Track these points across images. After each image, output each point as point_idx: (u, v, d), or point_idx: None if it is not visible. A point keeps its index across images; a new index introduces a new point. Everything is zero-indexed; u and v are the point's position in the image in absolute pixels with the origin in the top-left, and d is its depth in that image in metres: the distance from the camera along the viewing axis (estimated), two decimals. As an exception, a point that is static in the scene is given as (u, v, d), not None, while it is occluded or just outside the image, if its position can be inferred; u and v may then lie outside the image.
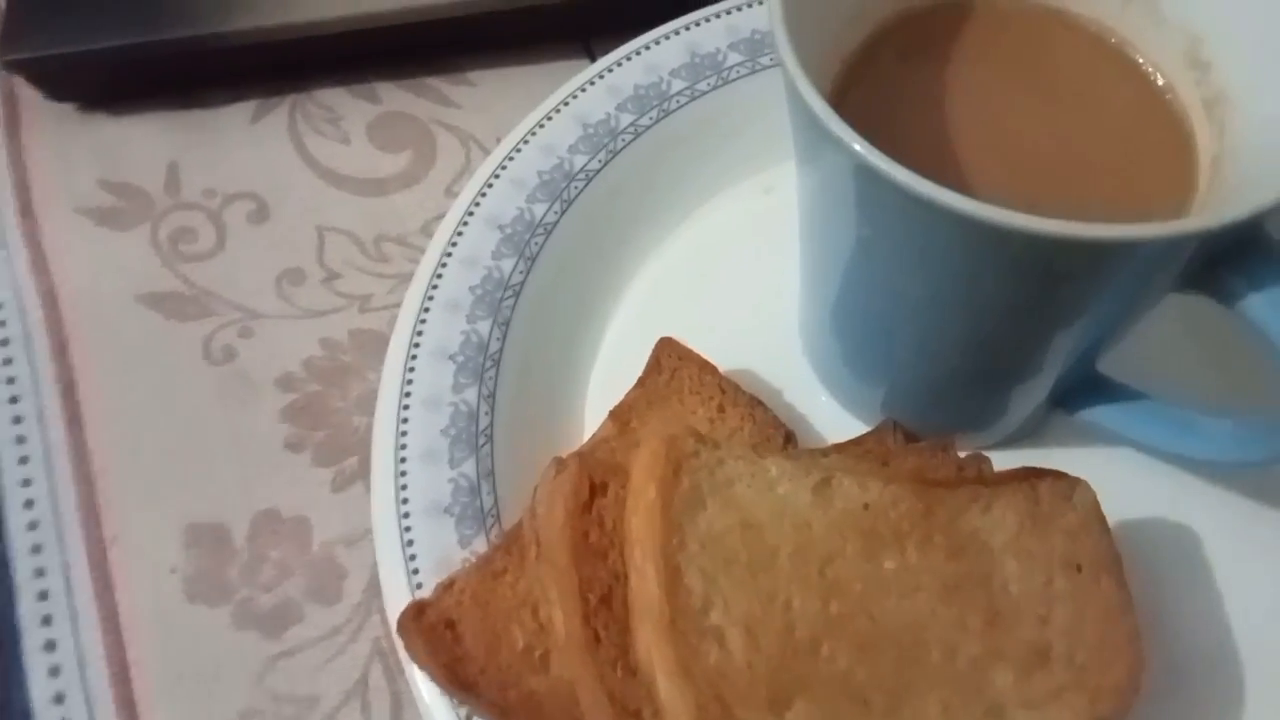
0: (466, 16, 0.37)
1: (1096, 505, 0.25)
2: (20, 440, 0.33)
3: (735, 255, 0.35)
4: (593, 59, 0.40)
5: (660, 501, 0.22)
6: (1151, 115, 0.26)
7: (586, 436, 0.32)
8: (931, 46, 0.27)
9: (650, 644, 0.21)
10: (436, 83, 0.39)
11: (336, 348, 0.35)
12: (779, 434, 0.30)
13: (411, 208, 0.37)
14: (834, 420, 0.32)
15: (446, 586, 0.26)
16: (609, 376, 0.33)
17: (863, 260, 0.26)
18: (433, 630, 0.25)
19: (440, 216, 0.36)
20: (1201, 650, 0.28)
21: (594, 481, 0.24)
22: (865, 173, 0.22)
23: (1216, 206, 0.23)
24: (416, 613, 0.25)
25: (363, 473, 0.32)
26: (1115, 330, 0.25)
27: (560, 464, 0.25)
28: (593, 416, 0.32)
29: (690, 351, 0.31)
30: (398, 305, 0.35)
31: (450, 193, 0.37)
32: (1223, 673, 0.28)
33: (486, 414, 0.31)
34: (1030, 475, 0.25)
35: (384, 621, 0.30)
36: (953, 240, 0.22)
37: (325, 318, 0.35)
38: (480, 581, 0.26)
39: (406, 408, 0.30)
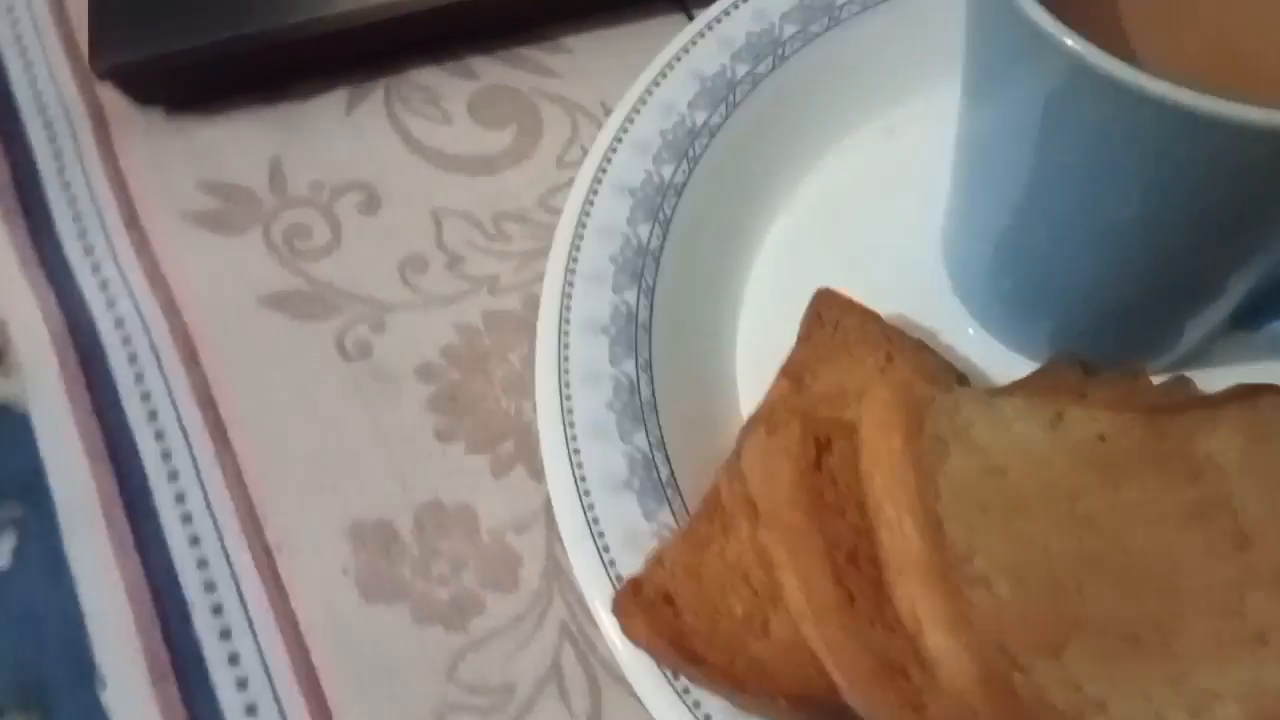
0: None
1: None
2: (166, 456, 0.33)
3: (865, 201, 0.34)
4: (689, 14, 0.39)
5: (909, 452, 0.21)
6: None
7: (742, 397, 0.31)
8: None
9: (916, 598, 0.21)
10: (532, 53, 0.38)
11: (472, 332, 0.34)
12: (950, 377, 0.29)
13: (524, 183, 0.36)
14: (994, 358, 0.31)
15: (657, 561, 0.25)
16: (755, 334, 0.32)
17: (1052, 186, 0.25)
18: (652, 606, 0.25)
19: (555, 189, 0.36)
20: None
21: (819, 439, 0.23)
22: (1089, 80, 0.20)
23: None
24: (634, 590, 0.25)
25: (521, 456, 0.32)
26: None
27: (765, 424, 0.24)
28: (745, 376, 0.32)
29: (851, 301, 0.30)
30: (528, 283, 0.34)
31: (562, 163, 0.36)
32: None
33: (647, 384, 0.30)
34: (1248, 392, 0.25)
35: (568, 605, 0.30)
36: (1183, 147, 0.21)
37: (456, 303, 0.34)
38: (689, 553, 0.25)
39: (567, 385, 0.30)
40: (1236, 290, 0.27)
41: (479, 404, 0.33)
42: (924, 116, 0.35)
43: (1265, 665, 0.22)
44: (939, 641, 0.20)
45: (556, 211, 0.35)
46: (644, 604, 0.25)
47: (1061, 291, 0.29)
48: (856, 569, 0.22)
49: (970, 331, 0.32)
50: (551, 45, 0.38)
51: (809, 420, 0.23)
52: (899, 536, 0.21)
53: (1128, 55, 0.24)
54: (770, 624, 0.25)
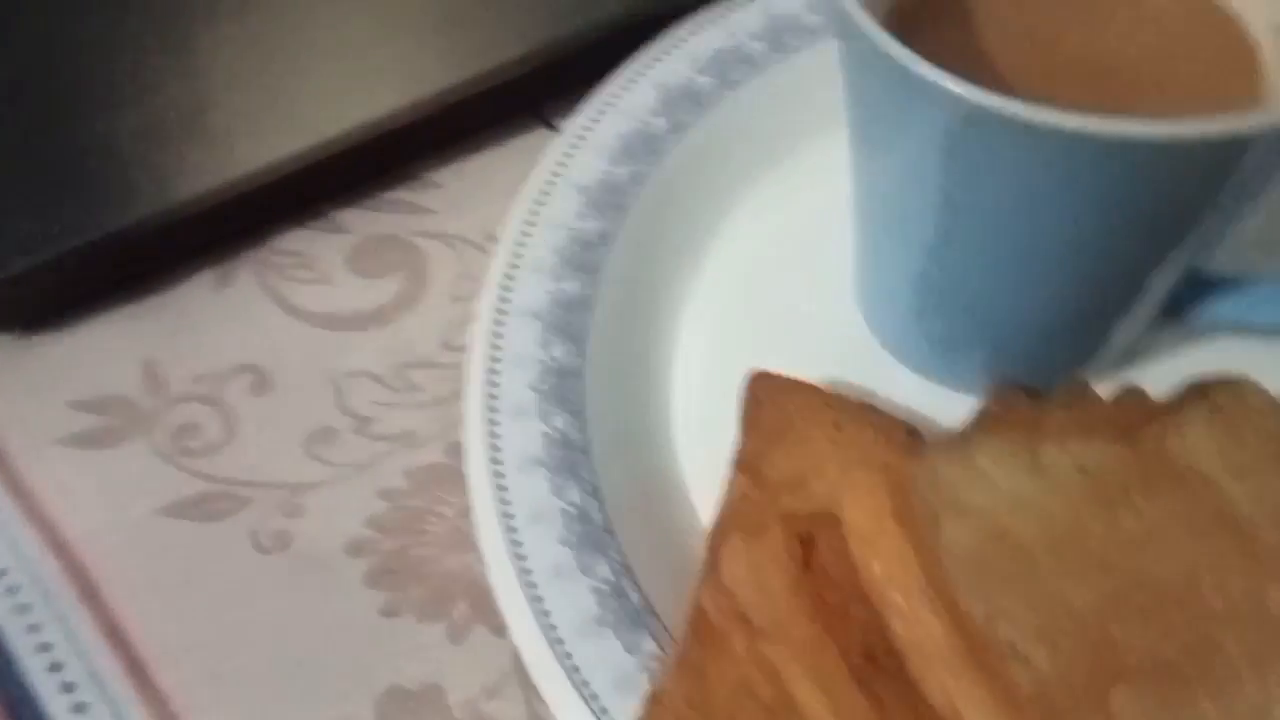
0: (418, 120, 0.35)
1: (1270, 396, 0.24)
2: (80, 709, 0.29)
3: (770, 270, 0.34)
4: (549, 124, 0.38)
5: (905, 533, 0.20)
6: (1213, 30, 0.25)
7: (695, 499, 0.30)
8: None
9: (949, 686, 0.19)
10: (400, 195, 0.37)
11: (398, 495, 0.31)
12: (900, 431, 0.28)
13: (422, 327, 0.34)
14: (933, 400, 0.31)
15: (656, 703, 0.23)
16: (693, 428, 0.31)
17: (959, 224, 0.25)
18: None
19: (455, 326, 0.34)
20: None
21: (803, 537, 0.21)
22: (979, 121, 0.20)
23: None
24: None
25: (477, 614, 0.29)
26: (1238, 221, 0.24)
27: (740, 532, 0.23)
28: (694, 475, 0.30)
29: (784, 377, 0.29)
30: (447, 430, 0.32)
31: (456, 299, 0.35)
32: None
33: (597, 509, 0.28)
34: (1200, 391, 0.24)
35: (564, 766, 0.27)
36: (1079, 167, 0.21)
37: (374, 468, 0.32)
38: (688, 684, 0.23)
39: (514, 529, 0.27)
40: (1161, 287, 0.27)
41: (421, 569, 0.30)
42: (810, 176, 0.35)
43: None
44: None
45: (461, 349, 0.34)
46: None
47: (988, 323, 0.29)
48: (876, 668, 0.20)
49: (903, 379, 0.32)
50: (419, 184, 0.37)
51: (789, 520, 0.22)
52: (916, 625, 0.20)
53: (1004, 88, 0.24)
54: None
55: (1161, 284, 0.26)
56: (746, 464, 0.28)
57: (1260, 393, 0.25)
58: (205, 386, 0.34)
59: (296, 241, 0.36)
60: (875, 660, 0.20)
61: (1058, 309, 0.27)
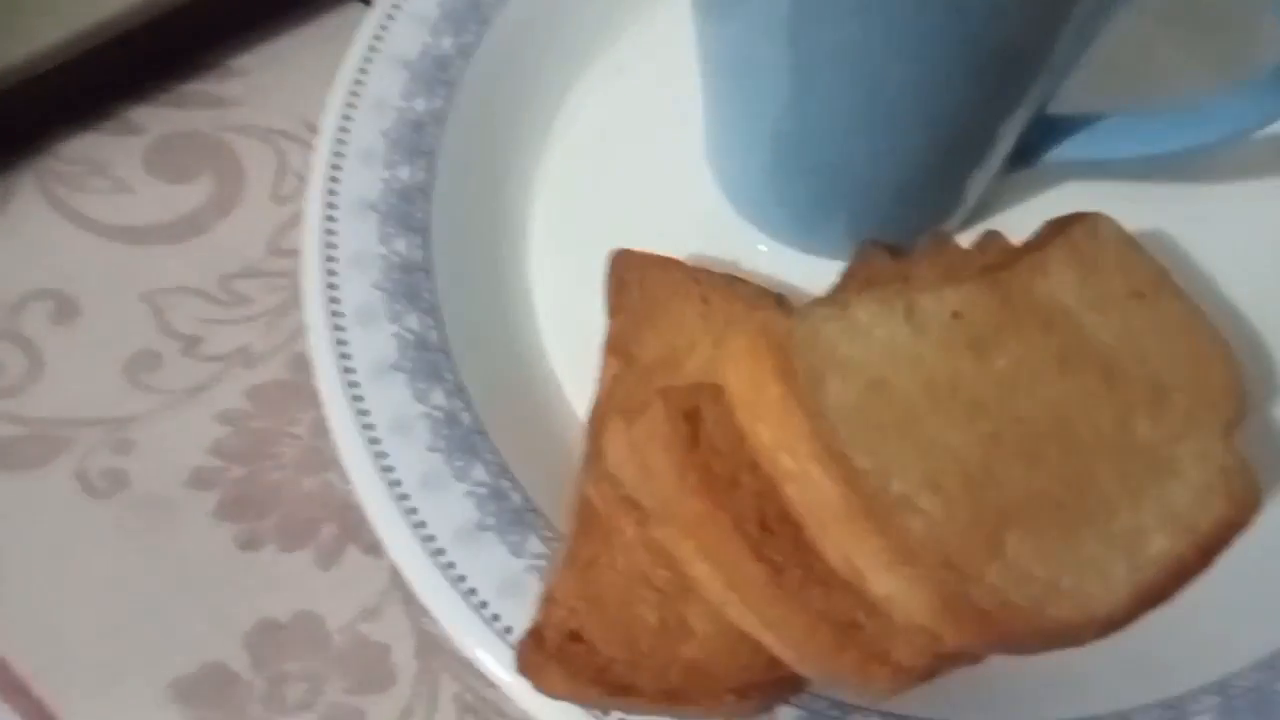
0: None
1: (1122, 230, 0.25)
2: (-96, 692, 0.26)
3: (619, 146, 0.32)
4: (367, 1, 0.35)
5: (790, 394, 0.19)
6: None
7: (565, 385, 0.29)
8: None
9: (847, 544, 0.19)
10: (201, 86, 0.33)
11: (241, 417, 0.29)
12: (769, 300, 0.28)
13: (244, 232, 0.31)
14: (796, 268, 0.30)
15: (549, 600, 0.22)
16: (556, 314, 0.30)
17: (814, 73, 0.24)
18: (562, 651, 0.22)
19: (282, 228, 0.32)
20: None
21: (686, 412, 0.21)
22: None
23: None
24: (536, 641, 0.22)
25: (347, 535, 0.28)
26: (1082, 53, 0.24)
27: (620, 415, 0.22)
28: (561, 362, 0.29)
29: (647, 255, 0.28)
30: (286, 343, 0.30)
31: (279, 198, 0.32)
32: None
33: (465, 409, 0.27)
34: (1059, 227, 0.25)
35: (456, 677, 0.26)
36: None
37: (208, 391, 0.29)
38: (579, 579, 0.22)
39: (377, 441, 0.26)
40: (1010, 131, 0.26)
41: (277, 495, 0.28)
42: (648, 47, 0.33)
43: (1168, 485, 0.22)
44: (885, 581, 0.19)
45: (291, 254, 0.31)
46: (551, 652, 0.22)
47: (842, 181, 0.28)
48: (772, 535, 0.20)
49: (763, 248, 0.31)
50: (221, 72, 0.33)
51: (670, 396, 0.21)
52: (809, 487, 0.19)
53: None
54: (688, 621, 0.22)
55: (1010, 128, 0.26)
56: (616, 346, 0.26)
57: (1112, 226, 0.25)
58: (-2, 319, 0.30)
59: (84, 147, 0.32)
60: (769, 528, 0.20)
61: (910, 160, 0.26)
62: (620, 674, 0.21)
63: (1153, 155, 0.27)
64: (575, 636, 0.22)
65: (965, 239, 0.27)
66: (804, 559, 0.20)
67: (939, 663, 0.20)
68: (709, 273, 0.28)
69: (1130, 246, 0.25)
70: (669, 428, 0.20)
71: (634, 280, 0.28)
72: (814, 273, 0.30)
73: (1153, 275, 0.24)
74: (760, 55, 0.24)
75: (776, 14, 0.22)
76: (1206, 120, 0.26)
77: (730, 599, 0.20)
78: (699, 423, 0.21)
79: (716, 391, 0.21)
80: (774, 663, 0.21)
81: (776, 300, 0.28)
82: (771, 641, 0.20)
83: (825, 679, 0.21)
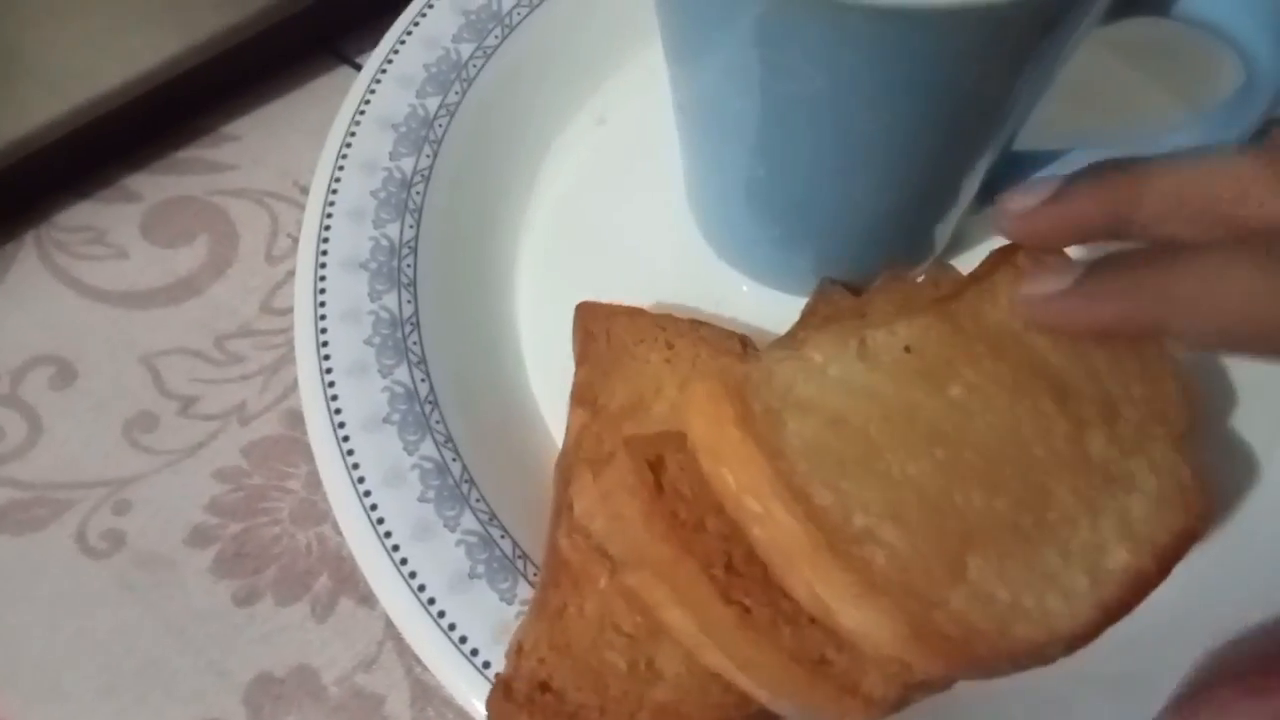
0: (199, 66, 0.32)
1: (1064, 254, 0.25)
2: (-94, 757, 0.26)
3: (601, 195, 0.33)
4: (349, 62, 0.36)
5: (749, 437, 0.20)
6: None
7: (555, 433, 0.29)
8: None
9: (814, 581, 0.19)
10: (195, 152, 0.34)
11: (237, 474, 0.29)
12: (733, 342, 0.29)
13: (237, 292, 0.32)
14: (780, 306, 0.31)
15: (517, 652, 0.23)
16: (544, 367, 0.30)
17: (783, 120, 0.24)
18: (530, 701, 0.22)
19: (275, 288, 0.32)
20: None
21: (650, 461, 0.21)
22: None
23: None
24: (505, 692, 0.22)
25: (341, 587, 0.28)
26: (1043, 92, 0.25)
27: (588, 467, 0.22)
28: (552, 414, 0.29)
29: (611, 306, 0.29)
30: (280, 399, 0.30)
31: (272, 258, 0.32)
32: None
33: (454, 458, 0.27)
34: (1004, 255, 0.25)
35: (453, 725, 0.26)
36: (882, 43, 0.20)
37: (206, 448, 0.30)
38: (548, 627, 0.23)
39: (368, 494, 0.26)
40: (978, 172, 0.27)
41: (273, 549, 0.29)
42: (627, 97, 0.34)
43: (1124, 500, 0.22)
44: (852, 614, 0.19)
45: (285, 312, 0.32)
46: (521, 702, 0.22)
47: (819, 222, 0.29)
48: (739, 577, 0.20)
49: (745, 289, 0.32)
50: (214, 138, 0.34)
51: (634, 445, 0.21)
52: (772, 526, 0.20)
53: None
54: (656, 663, 0.23)
55: (977, 170, 0.26)
56: (583, 397, 0.27)
57: (1054, 251, 0.25)
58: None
59: (82, 214, 0.33)
60: (736, 570, 0.20)
61: (879, 204, 0.27)
62: (590, 719, 0.22)
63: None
64: (544, 686, 0.22)
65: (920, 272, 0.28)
66: (772, 599, 0.20)
67: (910, 691, 0.20)
68: (674, 318, 0.29)
69: None
70: (634, 476, 0.21)
71: (600, 330, 0.28)
72: (794, 312, 0.30)
73: None
74: (730, 104, 0.25)
75: (745, 66, 0.23)
76: (1167, 150, 0.26)
77: (703, 642, 0.21)
78: (663, 470, 0.21)
79: (680, 439, 0.21)
80: (744, 700, 0.22)
81: (741, 341, 0.29)
82: (745, 682, 0.21)
83: (800, 715, 0.21)
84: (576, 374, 0.28)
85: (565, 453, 0.27)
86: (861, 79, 0.22)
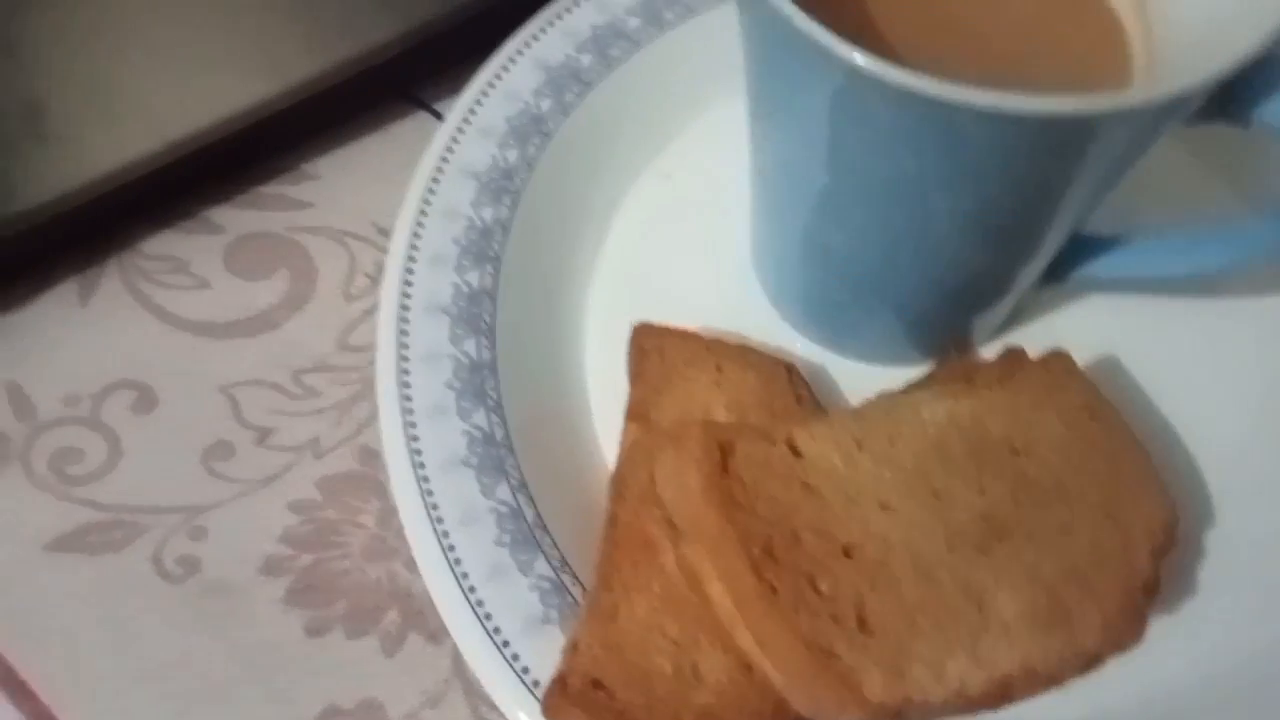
0: (287, 110, 0.33)
1: (1072, 364, 0.27)
2: (-19, 771, 0.27)
3: (668, 249, 0.34)
4: (431, 110, 0.37)
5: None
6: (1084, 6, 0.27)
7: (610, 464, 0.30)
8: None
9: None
10: (276, 189, 0.35)
11: (310, 507, 0.30)
12: (780, 369, 0.30)
13: (314, 328, 0.33)
14: (834, 365, 0.32)
15: (572, 649, 0.24)
16: (609, 399, 0.31)
17: (857, 193, 0.25)
18: (583, 696, 0.23)
19: (351, 325, 0.33)
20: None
21: (722, 444, 0.23)
22: (869, 88, 0.21)
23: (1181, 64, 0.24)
24: (561, 687, 0.24)
25: (410, 623, 0.29)
26: (1117, 185, 0.26)
27: (671, 441, 0.25)
28: (608, 442, 0.30)
29: (667, 327, 0.30)
30: (354, 434, 0.31)
31: (349, 296, 0.33)
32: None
33: (528, 504, 0.28)
34: (1014, 361, 0.27)
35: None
36: (955, 133, 0.21)
37: (280, 480, 0.31)
38: (600, 628, 0.25)
39: (446, 533, 0.27)
40: (1047, 255, 0.28)
41: (343, 582, 0.29)
42: (694, 154, 0.35)
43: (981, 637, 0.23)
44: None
45: (360, 349, 0.32)
46: (574, 698, 0.24)
47: (877, 290, 0.30)
48: (774, 561, 0.22)
49: (799, 347, 0.32)
50: (295, 175, 0.35)
51: (710, 427, 0.24)
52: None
53: (889, 49, 0.25)
54: (700, 669, 0.24)
55: (1046, 253, 0.28)
56: (636, 413, 0.29)
57: (1063, 359, 0.28)
58: (82, 406, 0.31)
59: (167, 244, 0.34)
60: (773, 554, 0.22)
61: (949, 282, 0.28)
62: (638, 718, 0.23)
63: (1177, 276, 0.29)
64: (596, 683, 0.24)
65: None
66: (799, 587, 0.22)
67: (909, 706, 0.21)
68: (723, 343, 0.30)
69: (1080, 378, 0.27)
70: (703, 451, 0.22)
71: (654, 349, 0.30)
72: (846, 372, 0.32)
73: (1099, 407, 0.26)
74: (810, 174, 0.26)
75: (830, 141, 0.24)
76: (1232, 244, 0.28)
77: (736, 620, 0.22)
78: (731, 454, 0.23)
79: (753, 432, 0.23)
80: (781, 708, 0.23)
81: (787, 369, 0.30)
82: (762, 661, 0.22)
83: (809, 707, 0.23)
84: (631, 391, 0.30)
85: (618, 465, 0.28)
86: (948, 166, 0.23)
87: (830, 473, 0.23)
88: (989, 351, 0.31)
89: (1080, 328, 0.32)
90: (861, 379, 0.31)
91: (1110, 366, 0.31)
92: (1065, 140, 0.22)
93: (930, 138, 0.22)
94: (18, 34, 0.32)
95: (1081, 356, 0.31)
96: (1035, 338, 0.31)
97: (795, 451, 0.24)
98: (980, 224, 0.25)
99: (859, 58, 0.20)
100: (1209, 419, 0.30)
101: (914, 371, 0.30)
